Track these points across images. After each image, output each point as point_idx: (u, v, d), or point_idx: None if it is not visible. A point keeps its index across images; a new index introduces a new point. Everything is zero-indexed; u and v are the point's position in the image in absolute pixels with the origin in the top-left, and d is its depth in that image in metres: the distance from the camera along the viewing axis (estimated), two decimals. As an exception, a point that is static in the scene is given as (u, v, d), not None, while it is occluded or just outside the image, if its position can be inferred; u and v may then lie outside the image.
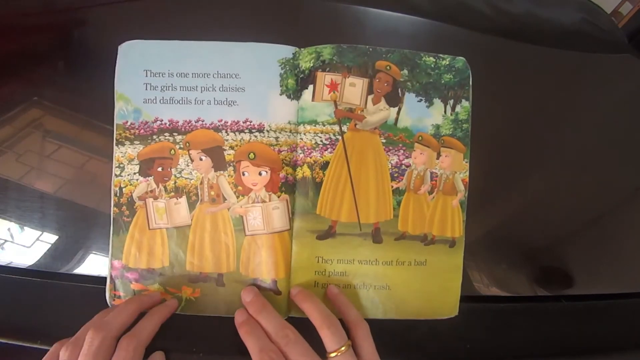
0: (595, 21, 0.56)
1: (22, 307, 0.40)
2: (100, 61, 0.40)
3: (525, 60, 0.47)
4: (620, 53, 0.51)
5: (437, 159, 0.42)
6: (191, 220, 0.39)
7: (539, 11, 0.53)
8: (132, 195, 0.39)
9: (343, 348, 0.33)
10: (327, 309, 0.36)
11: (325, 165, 0.40)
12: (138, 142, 0.39)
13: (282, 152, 0.40)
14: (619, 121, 0.49)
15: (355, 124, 0.40)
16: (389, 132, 0.41)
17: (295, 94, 0.40)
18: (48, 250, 0.41)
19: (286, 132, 0.40)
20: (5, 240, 0.41)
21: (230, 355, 0.39)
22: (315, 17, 0.44)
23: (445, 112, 0.42)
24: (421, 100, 0.41)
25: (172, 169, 0.39)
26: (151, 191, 0.39)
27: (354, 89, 0.40)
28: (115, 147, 0.39)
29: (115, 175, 0.39)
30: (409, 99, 0.41)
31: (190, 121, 0.39)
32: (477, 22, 0.49)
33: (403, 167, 0.41)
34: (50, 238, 0.41)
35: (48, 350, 0.35)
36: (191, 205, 0.39)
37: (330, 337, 0.34)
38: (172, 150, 0.39)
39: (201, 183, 0.39)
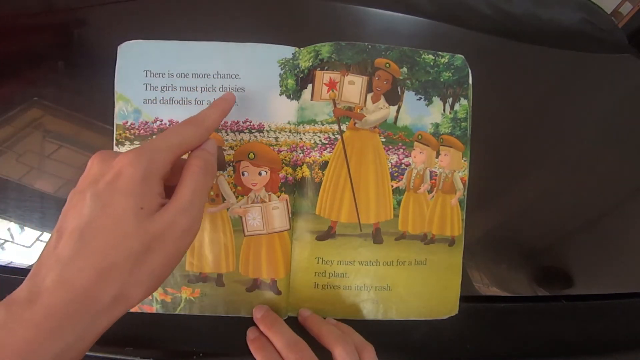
0: (595, 21, 0.56)
1: (22, 307, 0.40)
2: (100, 61, 0.40)
3: (525, 60, 0.47)
4: (620, 53, 0.51)
5: (437, 157, 0.42)
6: (191, 220, 0.39)
7: (539, 11, 0.53)
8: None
9: None
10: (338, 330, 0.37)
11: (324, 165, 0.40)
12: (138, 143, 0.39)
13: (282, 152, 0.40)
14: (619, 121, 0.49)
15: (355, 123, 0.40)
16: (389, 131, 0.41)
17: (295, 94, 0.40)
18: (48, 250, 0.41)
19: (286, 132, 0.40)
20: (5, 240, 0.41)
21: (230, 356, 0.39)
22: (315, 17, 0.44)
23: (444, 110, 0.42)
24: (420, 98, 0.41)
25: (172, 169, 0.39)
26: (151, 191, 0.39)
27: (353, 87, 0.40)
28: (115, 148, 0.39)
29: (115, 175, 0.39)
30: (409, 97, 0.41)
31: (190, 121, 0.39)
32: (477, 21, 0.49)
33: (403, 166, 0.41)
34: (50, 238, 0.41)
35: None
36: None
37: (344, 357, 0.34)
38: (172, 150, 0.39)
39: (201, 183, 0.39)
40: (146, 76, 0.39)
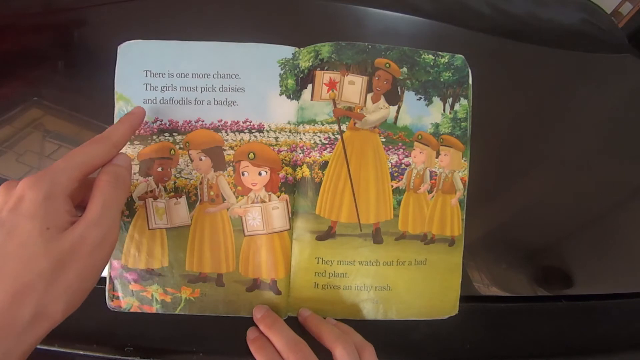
0: (595, 21, 0.56)
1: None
2: (100, 61, 0.40)
3: (525, 60, 0.47)
4: (620, 53, 0.51)
5: (437, 157, 0.42)
6: (191, 220, 0.39)
7: (539, 11, 0.53)
8: (131, 195, 0.39)
9: None
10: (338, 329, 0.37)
11: (324, 165, 0.40)
12: (138, 142, 0.39)
13: (282, 152, 0.40)
14: (619, 121, 0.49)
15: (355, 123, 0.40)
16: (389, 131, 0.41)
17: (294, 94, 0.40)
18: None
19: (286, 132, 0.40)
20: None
21: (230, 355, 0.39)
22: (315, 17, 0.44)
23: (444, 110, 0.42)
24: (420, 98, 0.41)
25: (172, 169, 0.39)
26: (151, 191, 0.39)
27: (353, 87, 0.40)
28: (115, 147, 0.39)
29: (115, 175, 0.39)
30: (409, 97, 0.41)
31: (190, 121, 0.39)
32: (477, 22, 0.49)
33: (403, 166, 0.41)
34: (50, 238, 0.41)
35: (46, 350, 0.35)
36: (191, 206, 0.39)
37: (344, 356, 0.34)
38: (172, 150, 0.39)
39: (201, 183, 0.39)
40: (146, 76, 0.39)
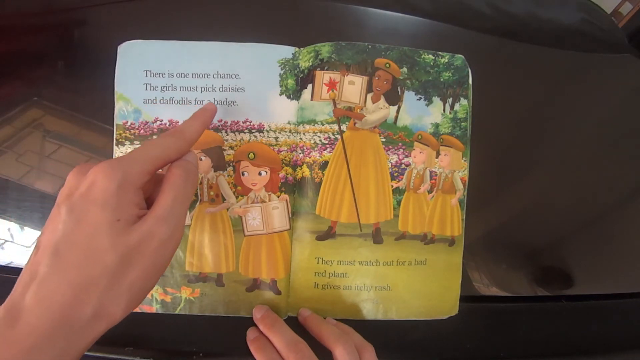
0: (595, 21, 0.56)
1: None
2: (100, 61, 0.40)
3: (525, 60, 0.47)
4: (620, 53, 0.51)
5: (437, 157, 0.42)
6: (190, 220, 0.39)
7: (539, 11, 0.53)
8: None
9: None
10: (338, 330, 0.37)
11: (324, 165, 0.40)
12: (138, 143, 0.39)
13: (282, 152, 0.40)
14: (619, 121, 0.49)
15: (355, 123, 0.40)
16: (389, 131, 0.41)
17: (294, 94, 0.40)
18: (48, 250, 0.41)
19: (286, 132, 0.40)
20: (5, 240, 0.41)
21: (230, 356, 0.39)
22: (315, 17, 0.44)
23: (444, 110, 0.42)
24: (420, 98, 0.41)
25: (172, 169, 0.39)
26: (151, 191, 0.39)
27: (353, 87, 0.40)
28: (115, 147, 0.39)
29: (115, 175, 0.39)
30: (409, 97, 0.41)
31: (190, 121, 0.39)
32: (477, 22, 0.49)
33: (403, 166, 0.41)
34: (50, 238, 0.41)
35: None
36: (190, 206, 0.39)
37: (344, 356, 0.34)
38: (172, 150, 0.39)
39: (200, 183, 0.39)
40: (146, 76, 0.39)
